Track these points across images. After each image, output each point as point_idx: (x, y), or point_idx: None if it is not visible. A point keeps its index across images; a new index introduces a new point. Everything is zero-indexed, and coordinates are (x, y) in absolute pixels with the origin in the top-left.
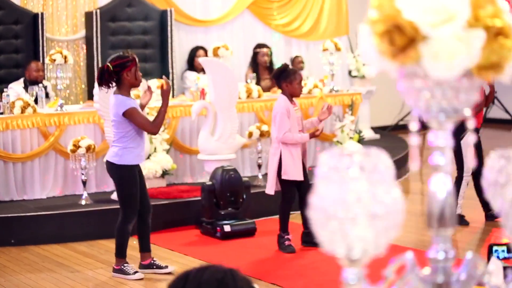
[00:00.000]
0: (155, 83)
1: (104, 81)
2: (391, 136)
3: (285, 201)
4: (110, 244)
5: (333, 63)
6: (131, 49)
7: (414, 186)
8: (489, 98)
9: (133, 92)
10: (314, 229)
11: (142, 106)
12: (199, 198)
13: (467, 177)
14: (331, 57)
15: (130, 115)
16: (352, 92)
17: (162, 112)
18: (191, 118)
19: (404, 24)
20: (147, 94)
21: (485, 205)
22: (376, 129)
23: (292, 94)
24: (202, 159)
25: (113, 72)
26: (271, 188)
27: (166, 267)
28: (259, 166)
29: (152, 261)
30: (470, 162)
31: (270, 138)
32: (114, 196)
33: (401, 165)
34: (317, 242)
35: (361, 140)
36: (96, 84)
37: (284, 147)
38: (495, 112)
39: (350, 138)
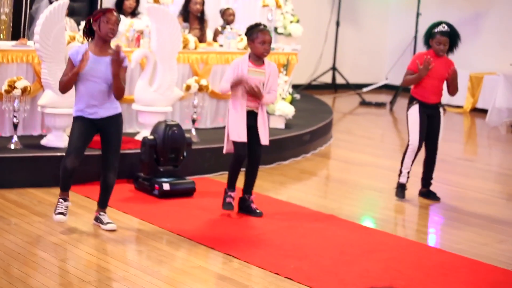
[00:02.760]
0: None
1: (84, 34)
2: (308, 96)
3: (234, 158)
4: (41, 194)
5: (272, 20)
6: None
7: (336, 153)
8: (452, 77)
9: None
10: None
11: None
12: (133, 150)
13: (413, 147)
14: (270, 14)
15: None
16: (288, 51)
17: (68, 76)
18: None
19: None
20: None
21: (424, 181)
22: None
23: (254, 53)
24: (137, 110)
25: (89, 23)
26: (224, 147)
27: (107, 223)
28: (193, 121)
29: (99, 214)
30: (412, 133)
31: (208, 93)
32: (43, 141)
33: (326, 130)
34: (249, 210)
35: (293, 101)
36: (39, 22)
37: (230, 104)
38: None
39: (283, 98)
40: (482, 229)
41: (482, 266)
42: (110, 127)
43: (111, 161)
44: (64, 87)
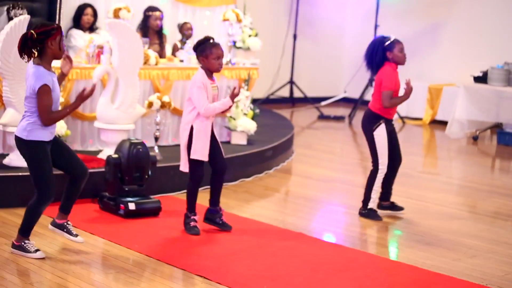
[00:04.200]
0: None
1: (26, 50)
2: (267, 111)
3: (193, 180)
4: (5, 215)
5: (233, 35)
6: (18, 1)
7: (298, 168)
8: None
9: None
10: None
11: (63, 75)
12: (96, 169)
13: (383, 171)
14: (231, 29)
15: (40, 93)
16: (248, 66)
17: (66, 112)
18: (87, 81)
19: None
20: (67, 61)
21: (383, 195)
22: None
23: (209, 69)
24: (99, 127)
25: (37, 40)
26: (184, 165)
27: (76, 235)
28: (156, 138)
29: (65, 223)
30: (382, 156)
31: (170, 109)
32: (6, 161)
33: (288, 146)
34: (219, 222)
35: (255, 117)
36: None
37: (196, 123)
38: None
39: (244, 114)
40: (452, 244)
41: (457, 283)
42: (58, 141)
43: (84, 166)
44: (56, 122)
